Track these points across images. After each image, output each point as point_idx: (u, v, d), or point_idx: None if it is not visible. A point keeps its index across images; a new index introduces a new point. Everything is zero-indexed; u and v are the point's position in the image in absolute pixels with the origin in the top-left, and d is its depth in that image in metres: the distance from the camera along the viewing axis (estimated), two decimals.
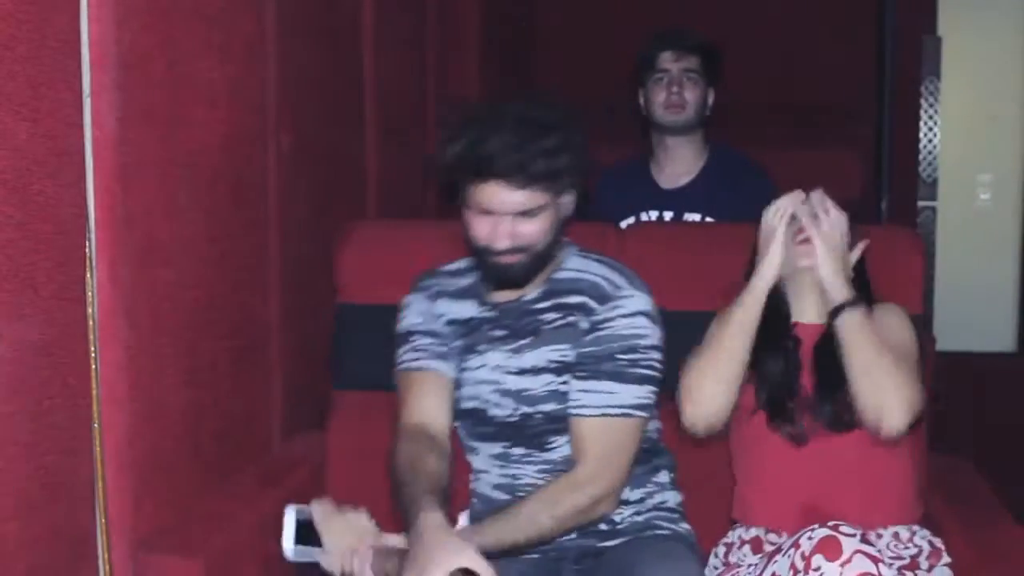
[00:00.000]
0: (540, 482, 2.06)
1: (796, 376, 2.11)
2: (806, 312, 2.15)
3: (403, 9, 3.44)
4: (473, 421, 2.13)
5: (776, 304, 2.13)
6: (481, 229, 2.00)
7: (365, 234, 2.54)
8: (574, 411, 2.02)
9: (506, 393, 2.09)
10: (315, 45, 2.67)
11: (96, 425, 1.75)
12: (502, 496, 2.12)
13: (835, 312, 2.04)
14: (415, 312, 2.16)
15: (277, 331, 2.42)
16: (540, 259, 2.04)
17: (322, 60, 2.73)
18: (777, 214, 2.10)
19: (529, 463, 2.10)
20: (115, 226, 1.78)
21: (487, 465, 2.14)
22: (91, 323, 1.74)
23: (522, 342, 2.08)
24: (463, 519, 2.21)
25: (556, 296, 2.09)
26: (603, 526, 2.06)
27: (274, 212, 2.40)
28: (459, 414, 2.13)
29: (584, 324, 2.05)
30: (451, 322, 2.14)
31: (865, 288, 2.13)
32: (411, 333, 2.15)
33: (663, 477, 2.17)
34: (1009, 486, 2.44)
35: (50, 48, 1.62)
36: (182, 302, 2.00)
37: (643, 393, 2.03)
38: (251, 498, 2.16)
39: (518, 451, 2.11)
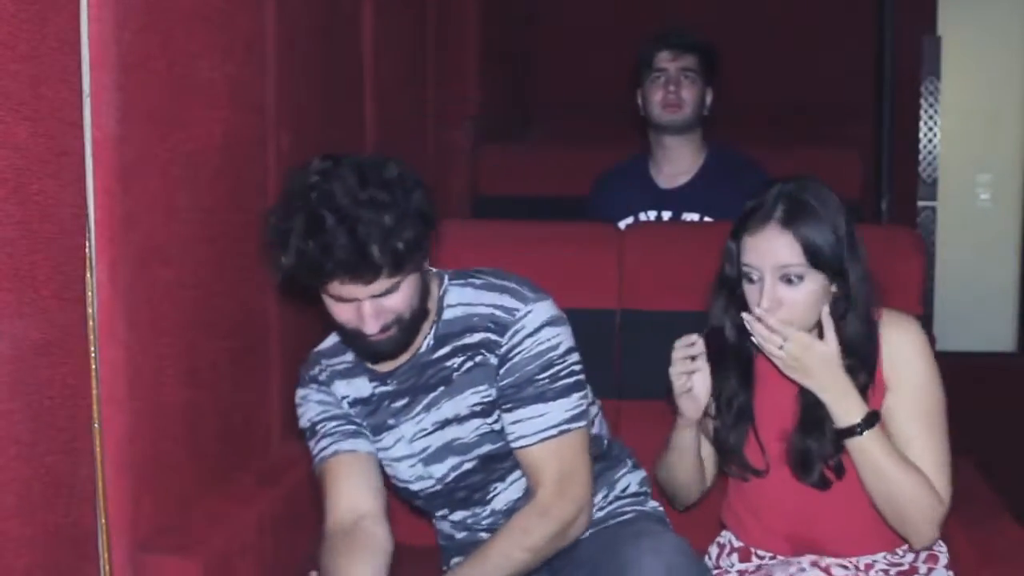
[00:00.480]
0: (498, 520, 2.03)
1: (748, 413, 2.00)
2: None
3: (403, 9, 3.44)
4: (403, 496, 2.11)
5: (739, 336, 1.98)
6: (344, 315, 1.87)
7: None
8: (514, 444, 1.97)
9: (432, 458, 2.02)
10: (315, 45, 2.67)
11: (96, 425, 1.75)
12: (462, 534, 2.10)
13: (843, 434, 1.88)
14: (313, 403, 2.06)
15: (277, 331, 2.41)
16: (413, 324, 1.92)
17: (322, 60, 2.73)
18: (678, 377, 1.95)
19: (474, 518, 2.07)
20: (115, 226, 1.77)
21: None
22: (91, 323, 1.73)
23: (433, 395, 2.00)
24: None
25: (452, 340, 1.99)
26: None
27: None
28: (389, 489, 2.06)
29: (493, 360, 1.96)
30: (354, 402, 2.06)
31: (867, 295, 1.95)
32: (315, 424, 2.04)
33: (622, 468, 2.16)
34: (1009, 486, 2.44)
35: (50, 48, 1.62)
36: (182, 302, 2.00)
37: (572, 403, 1.96)
38: (250, 498, 2.16)
39: (459, 515, 2.08)
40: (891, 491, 1.87)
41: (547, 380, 1.95)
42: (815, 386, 1.88)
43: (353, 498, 1.97)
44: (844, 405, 1.87)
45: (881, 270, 2.19)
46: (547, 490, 1.94)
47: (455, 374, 1.99)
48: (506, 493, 2.04)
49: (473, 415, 2.00)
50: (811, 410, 1.92)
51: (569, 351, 1.98)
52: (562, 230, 2.67)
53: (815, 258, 1.87)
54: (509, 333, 1.95)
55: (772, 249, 1.87)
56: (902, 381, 1.93)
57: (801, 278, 1.87)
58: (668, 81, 3.09)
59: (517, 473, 2.02)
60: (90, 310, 1.73)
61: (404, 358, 2.01)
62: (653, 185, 3.19)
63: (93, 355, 1.74)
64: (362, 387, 2.05)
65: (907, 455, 1.90)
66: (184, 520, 1.97)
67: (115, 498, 1.80)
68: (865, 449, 1.86)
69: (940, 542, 2.03)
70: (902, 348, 1.94)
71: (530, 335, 1.96)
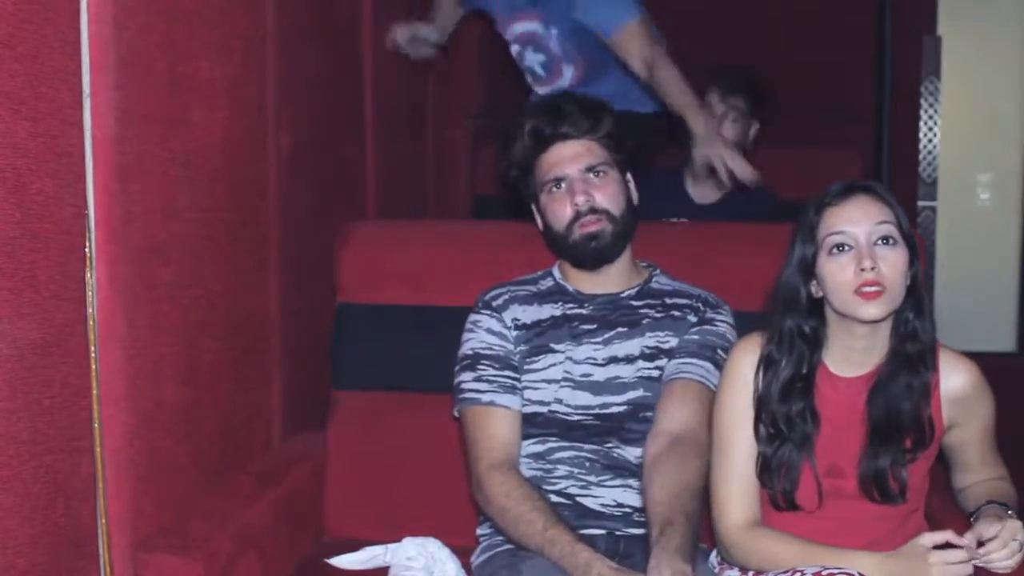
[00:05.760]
0: (572, 477, 2.06)
1: (810, 442, 1.89)
2: (849, 361, 1.92)
3: (403, 9, 3.44)
4: (534, 422, 2.11)
5: (805, 350, 1.89)
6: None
7: (365, 234, 2.54)
8: (675, 376, 2.06)
9: (589, 386, 2.10)
10: (315, 45, 2.67)
11: (96, 425, 1.75)
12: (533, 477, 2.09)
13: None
14: (482, 331, 2.15)
15: (277, 331, 2.42)
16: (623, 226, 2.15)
17: (322, 60, 2.73)
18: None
19: (582, 450, 2.08)
20: (115, 226, 1.78)
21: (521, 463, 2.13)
22: (91, 323, 1.74)
23: (615, 331, 2.13)
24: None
25: (655, 297, 2.17)
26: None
27: (274, 212, 2.40)
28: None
29: (692, 318, 2.14)
30: (523, 326, 2.15)
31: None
32: (478, 358, 2.13)
33: None
34: None
35: (50, 48, 1.62)
36: (181, 302, 2.00)
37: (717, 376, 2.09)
38: (251, 498, 2.16)
39: (564, 452, 2.09)
40: None
41: (721, 358, 2.07)
42: None
43: (508, 445, 2.08)
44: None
45: None
46: (698, 420, 2.01)
47: (644, 320, 2.15)
48: (619, 454, 2.07)
49: (640, 357, 2.11)
50: (881, 431, 1.88)
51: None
52: None
53: (900, 226, 1.87)
54: (715, 311, 2.16)
55: (867, 213, 1.85)
56: (974, 418, 1.97)
57: (896, 241, 1.85)
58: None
59: (634, 452, 2.06)
60: (90, 310, 1.73)
61: (606, 290, 2.17)
62: (688, 198, 3.27)
63: (93, 355, 1.74)
64: (540, 312, 2.16)
65: (981, 469, 2.00)
66: (184, 520, 1.97)
67: (115, 498, 1.80)
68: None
69: None
70: (969, 389, 1.98)
71: (726, 323, 2.15)
